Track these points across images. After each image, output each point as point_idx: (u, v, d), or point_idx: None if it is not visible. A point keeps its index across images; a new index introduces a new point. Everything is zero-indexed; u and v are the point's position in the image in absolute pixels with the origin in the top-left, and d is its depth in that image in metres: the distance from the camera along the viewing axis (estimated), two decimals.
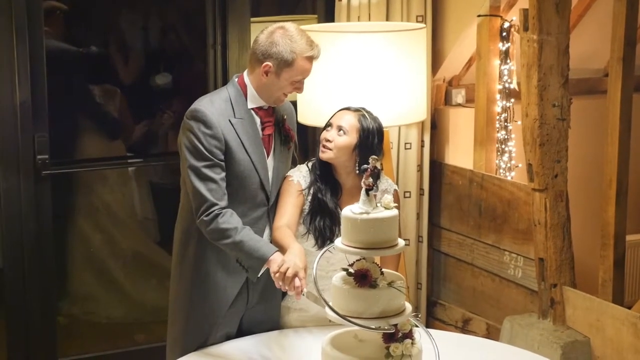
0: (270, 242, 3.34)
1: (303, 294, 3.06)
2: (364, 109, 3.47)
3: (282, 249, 3.21)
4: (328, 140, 3.38)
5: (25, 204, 4.54)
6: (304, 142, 4.47)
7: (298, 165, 3.55)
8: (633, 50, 4.11)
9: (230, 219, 3.24)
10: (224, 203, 3.26)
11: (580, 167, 4.52)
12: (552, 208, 4.40)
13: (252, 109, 3.38)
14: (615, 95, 4.14)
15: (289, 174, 3.49)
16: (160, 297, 3.67)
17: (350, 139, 3.36)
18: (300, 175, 3.45)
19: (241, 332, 3.55)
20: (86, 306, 5.29)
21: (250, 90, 3.36)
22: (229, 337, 3.49)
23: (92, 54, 5.55)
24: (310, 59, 3.30)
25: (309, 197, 3.43)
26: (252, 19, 4.84)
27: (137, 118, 5.50)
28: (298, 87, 3.36)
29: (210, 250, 3.38)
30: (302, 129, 4.24)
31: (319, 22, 5.09)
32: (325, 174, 3.43)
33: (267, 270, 3.17)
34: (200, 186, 3.24)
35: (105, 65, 5.53)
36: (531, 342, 4.09)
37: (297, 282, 3.03)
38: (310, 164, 3.51)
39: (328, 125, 3.42)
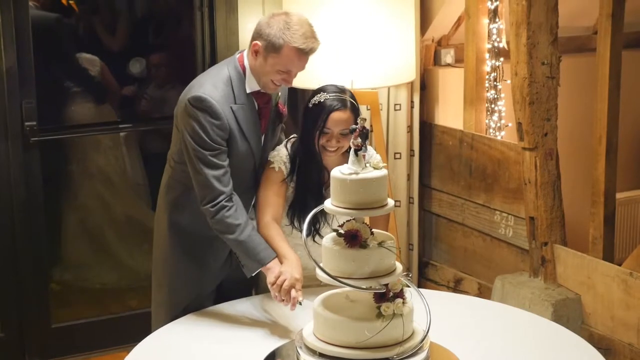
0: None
1: (300, 304, 3.10)
2: (344, 90, 3.42)
3: (278, 252, 3.25)
4: (332, 149, 3.34)
5: (14, 170, 4.56)
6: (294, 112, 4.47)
7: (277, 147, 3.51)
8: (622, 6, 4.11)
9: (236, 214, 3.26)
10: (229, 189, 3.27)
11: (570, 125, 4.53)
12: (542, 166, 4.41)
13: (251, 93, 3.36)
14: (604, 53, 4.14)
15: (269, 158, 3.46)
16: (151, 262, 3.68)
17: (350, 135, 3.34)
18: (280, 161, 3.42)
19: (220, 291, 3.61)
20: (79, 272, 5.32)
21: (248, 71, 3.34)
22: (210, 298, 3.54)
23: (80, 20, 5.54)
24: (300, 51, 3.22)
25: (292, 184, 3.43)
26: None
27: (124, 84, 5.49)
28: (285, 78, 3.31)
29: (201, 222, 3.38)
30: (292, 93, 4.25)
31: None
32: (312, 165, 3.40)
33: None
34: (208, 173, 3.23)
35: (93, 32, 5.52)
36: (522, 300, 4.12)
37: (293, 293, 3.09)
38: (289, 144, 3.48)
39: (325, 132, 3.31)
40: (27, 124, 4.52)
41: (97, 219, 5.45)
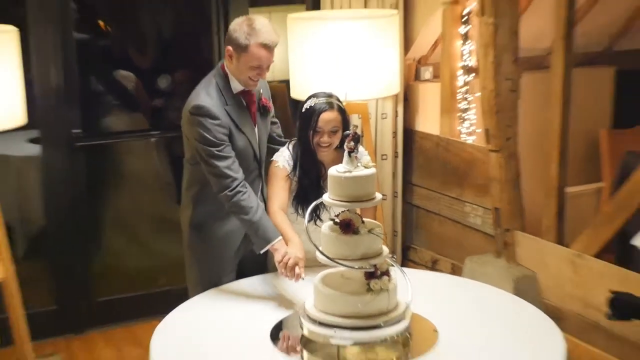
0: (265, 208, 3.40)
1: (302, 279, 3.16)
2: (331, 95, 3.45)
3: (284, 235, 3.29)
4: (325, 145, 3.37)
5: (62, 170, 4.59)
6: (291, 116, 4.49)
7: (280, 149, 3.53)
8: (572, 29, 4.14)
9: (249, 198, 3.30)
10: (240, 175, 3.31)
11: (529, 131, 4.56)
12: (506, 166, 4.44)
13: (238, 93, 3.39)
14: (558, 70, 4.17)
15: (274, 158, 3.49)
16: (178, 248, 3.71)
17: (340, 132, 3.38)
18: (284, 160, 3.45)
19: (238, 270, 3.63)
20: (117, 256, 5.33)
21: (229, 74, 3.37)
22: (230, 276, 3.56)
23: (116, 42, 5.56)
24: (264, 46, 3.24)
25: (295, 179, 3.44)
26: (250, 8, 4.83)
27: (154, 96, 5.51)
28: (259, 72, 3.32)
29: (222, 212, 3.43)
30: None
31: (307, 9, 5.07)
32: (310, 162, 3.43)
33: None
34: (220, 165, 3.26)
35: (127, 52, 5.53)
36: (488, 277, 4.14)
37: (297, 270, 3.16)
38: (290, 146, 3.50)
39: (317, 130, 3.36)
40: (73, 131, 4.55)
41: (132, 212, 5.45)
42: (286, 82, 4.65)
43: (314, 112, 3.35)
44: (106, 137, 5.23)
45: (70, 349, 4.53)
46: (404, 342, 2.87)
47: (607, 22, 5.54)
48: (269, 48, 3.27)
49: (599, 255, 4.09)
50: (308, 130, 3.35)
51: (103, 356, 4.44)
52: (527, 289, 4.13)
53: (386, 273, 2.86)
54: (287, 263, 3.17)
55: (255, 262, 3.61)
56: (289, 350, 2.87)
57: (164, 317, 3.13)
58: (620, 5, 5.42)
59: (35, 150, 4.68)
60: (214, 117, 3.26)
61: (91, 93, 4.84)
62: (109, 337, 4.65)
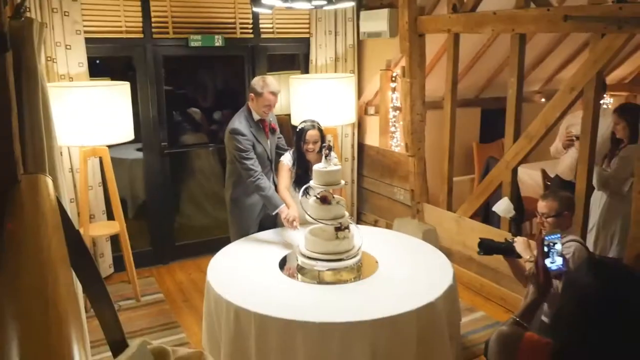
0: (276, 189, 3.37)
1: (297, 228, 3.16)
2: (314, 120, 3.39)
3: (286, 203, 3.27)
4: (310, 150, 3.32)
5: (157, 169, 4.53)
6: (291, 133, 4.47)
7: (285, 153, 3.47)
8: (456, 85, 4.12)
9: (264, 183, 3.30)
10: (259, 168, 3.31)
11: (431, 144, 4.53)
12: (417, 165, 4.42)
13: (257, 120, 3.38)
14: (447, 109, 4.15)
15: (281, 159, 3.43)
16: (224, 213, 3.69)
17: (319, 143, 3.32)
18: (287, 159, 3.39)
19: (260, 226, 3.57)
20: (189, 218, 5.30)
21: (252, 109, 3.38)
22: (255, 229, 3.51)
23: (188, 93, 5.51)
24: (272, 93, 3.30)
25: (294, 170, 3.38)
26: (268, 73, 4.79)
27: (211, 124, 5.47)
28: (269, 108, 3.36)
29: (249, 191, 3.39)
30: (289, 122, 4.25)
31: (301, 73, 5.04)
32: (303, 161, 3.36)
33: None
34: (247, 163, 3.28)
35: (195, 98, 5.50)
36: (407, 230, 4.13)
37: (294, 223, 3.17)
38: (291, 151, 3.43)
39: (305, 141, 3.30)
40: (162, 144, 4.48)
41: (197, 192, 5.42)
42: (288, 115, 4.63)
43: (303, 131, 3.34)
44: (182, 147, 5.15)
45: (159, 274, 4.48)
46: (357, 268, 2.85)
47: (476, 81, 5.55)
48: (275, 94, 3.34)
49: (472, 217, 4.10)
50: (300, 142, 3.34)
51: (179, 278, 4.39)
52: (430, 237, 4.13)
53: (347, 227, 2.84)
54: (288, 219, 3.18)
55: (270, 221, 3.56)
56: (290, 274, 2.84)
57: (215, 254, 3.09)
58: (483, 71, 5.43)
59: (140, 155, 4.61)
60: (242, 135, 3.28)
61: (173, 121, 4.78)
62: (183, 267, 4.60)
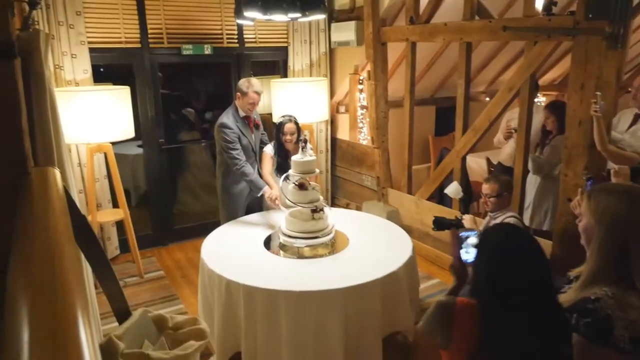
0: (261, 177, 3.33)
1: (279, 206, 3.13)
2: (291, 115, 3.37)
3: (269, 185, 3.24)
4: (288, 141, 3.30)
5: (155, 162, 4.45)
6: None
7: (268, 144, 3.45)
8: (414, 86, 4.14)
9: (248, 169, 3.25)
10: (244, 158, 3.26)
11: (393, 137, 4.56)
12: (382, 155, 4.44)
13: (243, 117, 3.34)
14: (407, 107, 4.17)
15: (264, 149, 3.40)
16: (215, 199, 3.65)
17: (296, 134, 3.31)
18: (270, 149, 3.38)
19: (247, 209, 3.54)
20: (184, 205, 5.23)
21: (238, 107, 3.34)
22: (243, 213, 3.48)
23: (182, 95, 5.42)
24: (256, 92, 3.26)
25: (276, 159, 3.37)
26: (252, 77, 4.73)
27: (203, 123, 5.40)
28: (253, 106, 3.31)
29: (237, 179, 3.35)
30: (271, 120, 4.23)
31: (281, 77, 5.00)
32: (283, 151, 3.35)
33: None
34: (233, 154, 3.23)
35: (189, 99, 5.42)
36: (374, 212, 4.16)
37: (276, 201, 3.13)
38: (273, 143, 3.42)
39: (284, 133, 3.30)
40: (160, 140, 4.41)
41: (192, 181, 5.36)
42: (270, 114, 4.60)
43: (282, 124, 3.33)
44: (178, 143, 5.07)
45: (160, 254, 4.43)
46: (331, 244, 2.86)
47: (431, 83, 5.58)
48: (258, 93, 3.30)
49: (429, 199, 4.14)
50: (279, 133, 3.34)
51: (177, 257, 4.35)
52: (393, 217, 4.17)
53: (322, 210, 2.84)
54: (271, 197, 3.17)
55: (256, 205, 3.54)
56: (273, 251, 2.83)
57: (208, 235, 3.06)
58: (437, 75, 5.46)
59: (140, 150, 4.53)
60: (230, 128, 3.24)
61: (169, 120, 4.70)
62: (181, 248, 4.56)
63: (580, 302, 1.17)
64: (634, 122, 3.10)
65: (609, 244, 1.17)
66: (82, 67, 3.79)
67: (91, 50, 3.83)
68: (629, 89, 3.15)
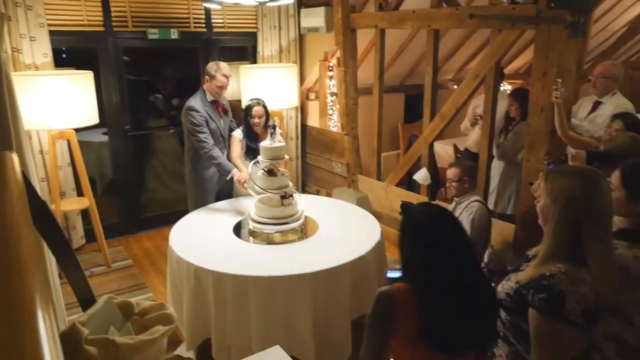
0: (229, 160, 3.29)
1: (247, 190, 3.09)
2: (259, 99, 3.34)
3: (238, 167, 3.20)
4: (256, 124, 3.28)
5: (121, 150, 4.37)
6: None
7: (237, 129, 3.41)
8: (383, 74, 4.17)
9: (216, 152, 3.21)
10: (212, 142, 3.22)
11: (363, 124, 4.59)
12: (351, 142, 4.47)
13: (211, 101, 3.30)
14: (376, 95, 4.21)
15: (233, 134, 3.37)
16: (183, 186, 3.60)
17: (264, 117, 3.29)
18: (239, 133, 3.34)
19: (217, 196, 3.51)
20: (152, 193, 5.14)
21: (206, 90, 3.30)
22: (212, 200, 3.46)
23: (149, 81, 5.29)
24: (224, 75, 3.23)
25: (244, 141, 3.33)
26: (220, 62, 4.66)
27: (171, 110, 5.30)
28: (221, 89, 3.28)
29: (206, 163, 3.31)
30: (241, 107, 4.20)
31: (250, 63, 4.95)
32: (251, 134, 3.32)
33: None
34: (200, 137, 3.18)
35: (156, 85, 5.30)
36: (344, 198, 4.20)
37: (245, 184, 3.09)
38: (242, 127, 3.38)
39: (252, 116, 3.27)
40: (125, 127, 4.32)
41: (160, 169, 5.27)
42: (239, 101, 4.56)
43: (250, 107, 3.31)
44: (144, 130, 4.97)
45: (127, 243, 4.36)
46: (301, 230, 2.87)
47: (400, 70, 5.63)
48: (226, 77, 3.26)
49: (398, 185, 4.19)
50: (248, 117, 3.31)
51: (146, 246, 4.30)
52: (363, 203, 4.21)
53: (291, 196, 2.85)
54: (240, 180, 3.14)
55: (226, 192, 3.51)
56: (242, 237, 2.83)
57: (176, 222, 3.02)
58: (406, 62, 5.51)
59: (105, 138, 4.42)
60: (197, 111, 3.20)
61: (135, 106, 4.59)
62: (150, 236, 4.50)
63: (536, 279, 1.22)
64: (593, 110, 3.21)
65: (564, 223, 1.23)
66: (42, 50, 3.66)
67: (51, 33, 3.70)
68: (590, 78, 3.25)
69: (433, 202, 2.87)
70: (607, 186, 1.26)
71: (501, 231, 3.21)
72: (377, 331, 1.32)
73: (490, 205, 3.62)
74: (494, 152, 3.55)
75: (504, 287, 1.33)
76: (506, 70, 6.24)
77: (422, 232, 1.33)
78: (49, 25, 3.69)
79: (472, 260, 1.32)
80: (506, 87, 6.01)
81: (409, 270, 1.34)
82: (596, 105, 3.20)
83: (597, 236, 1.21)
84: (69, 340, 1.09)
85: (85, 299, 1.31)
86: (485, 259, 1.57)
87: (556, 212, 1.24)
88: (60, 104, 3.31)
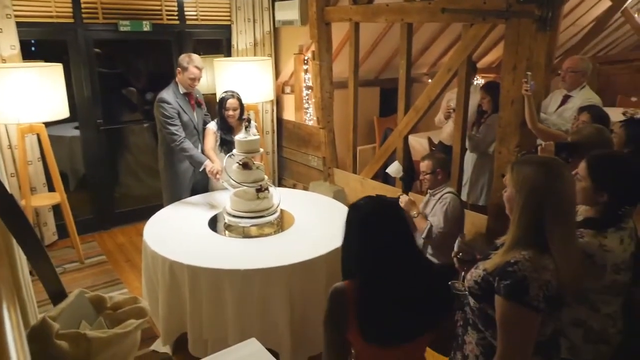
0: (203, 153, 3.29)
1: (220, 180, 3.10)
2: (233, 91, 3.33)
3: (211, 159, 3.19)
4: (231, 116, 3.26)
5: (94, 144, 4.29)
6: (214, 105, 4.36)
7: (212, 121, 3.39)
8: (358, 67, 4.18)
9: (187, 144, 3.20)
10: (183, 134, 3.22)
11: (339, 118, 4.60)
12: (327, 136, 4.46)
13: (184, 93, 3.28)
14: (351, 88, 4.20)
15: (207, 126, 3.35)
16: (158, 181, 3.56)
17: (239, 110, 3.28)
18: (213, 125, 3.33)
19: (192, 190, 3.49)
20: (126, 188, 5.06)
21: (179, 82, 3.29)
22: (188, 194, 3.43)
23: (122, 74, 5.19)
24: (196, 67, 3.23)
25: (219, 133, 3.31)
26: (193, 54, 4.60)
27: (145, 103, 5.21)
28: (194, 81, 3.27)
29: (180, 157, 3.28)
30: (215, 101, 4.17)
31: (224, 57, 4.90)
32: (226, 126, 3.30)
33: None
34: (171, 129, 3.17)
35: (129, 78, 5.20)
36: (321, 191, 4.20)
37: (217, 175, 3.09)
38: (216, 120, 3.36)
39: (226, 108, 3.25)
40: (98, 121, 4.23)
41: (133, 164, 5.18)
42: (214, 94, 4.51)
43: (224, 99, 3.30)
44: (117, 124, 4.88)
45: (101, 239, 4.30)
46: (277, 223, 2.88)
47: (375, 64, 5.65)
48: (199, 68, 3.26)
49: (373, 178, 4.22)
50: (222, 109, 3.29)
51: (120, 241, 4.24)
52: (339, 196, 4.22)
53: (267, 189, 2.85)
54: (212, 171, 3.14)
55: (201, 186, 3.49)
56: (218, 231, 2.82)
57: (150, 217, 2.99)
58: (381, 56, 5.54)
59: (77, 132, 4.33)
60: (168, 103, 3.19)
61: (108, 100, 4.50)
62: (124, 231, 4.44)
63: (501, 266, 1.26)
64: (562, 103, 3.29)
65: (527, 211, 1.27)
66: (9, 42, 3.55)
67: (19, 24, 3.59)
68: (559, 72, 3.33)
69: (407, 194, 2.91)
70: (570, 176, 1.30)
71: (474, 222, 3.27)
72: (331, 327, 1.34)
73: (463, 197, 3.69)
74: (467, 144, 3.61)
75: (472, 275, 1.36)
76: (479, 65, 6.34)
77: (359, 225, 1.35)
78: (16, 16, 3.58)
79: (413, 253, 1.35)
80: (479, 80, 6.10)
81: (352, 266, 1.36)
82: (565, 99, 3.28)
83: (559, 224, 1.25)
84: (40, 334, 1.08)
85: (56, 294, 1.30)
86: (456, 248, 1.60)
87: (520, 201, 1.28)
88: (29, 98, 3.23)
